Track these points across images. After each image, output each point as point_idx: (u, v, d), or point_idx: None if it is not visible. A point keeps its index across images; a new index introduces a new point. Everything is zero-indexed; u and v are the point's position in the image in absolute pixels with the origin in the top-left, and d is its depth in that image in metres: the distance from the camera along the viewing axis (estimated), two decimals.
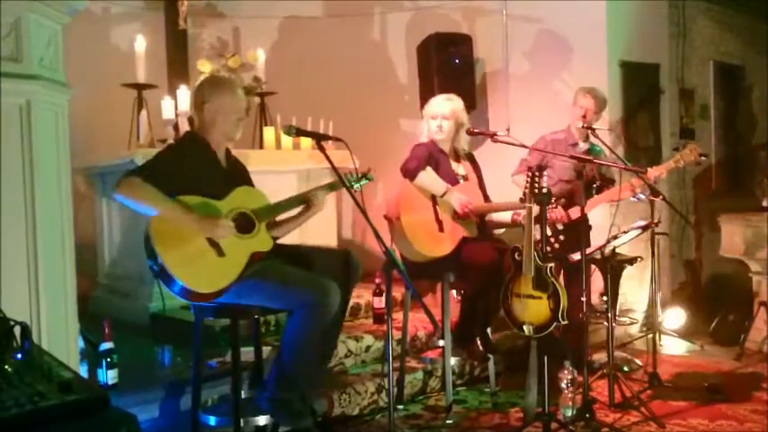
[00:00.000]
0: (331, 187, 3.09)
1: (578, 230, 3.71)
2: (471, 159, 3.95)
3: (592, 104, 4.09)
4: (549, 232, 3.84)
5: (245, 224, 2.82)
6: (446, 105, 3.76)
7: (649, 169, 3.85)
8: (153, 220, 2.69)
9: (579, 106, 4.10)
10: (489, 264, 3.44)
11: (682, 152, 3.89)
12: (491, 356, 3.75)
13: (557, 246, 3.92)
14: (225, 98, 2.92)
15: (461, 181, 3.77)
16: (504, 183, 4.22)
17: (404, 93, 6.07)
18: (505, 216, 3.95)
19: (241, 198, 2.87)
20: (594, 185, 4.00)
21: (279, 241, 2.99)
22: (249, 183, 3.07)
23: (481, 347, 3.67)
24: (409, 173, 3.60)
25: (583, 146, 4.16)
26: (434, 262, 3.55)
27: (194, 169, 2.83)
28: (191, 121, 4.57)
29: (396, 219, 3.53)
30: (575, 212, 3.95)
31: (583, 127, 4.00)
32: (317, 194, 3.00)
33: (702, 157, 3.87)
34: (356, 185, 3.07)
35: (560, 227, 3.98)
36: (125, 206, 4.38)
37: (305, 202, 3.00)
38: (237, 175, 3.03)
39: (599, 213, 4.19)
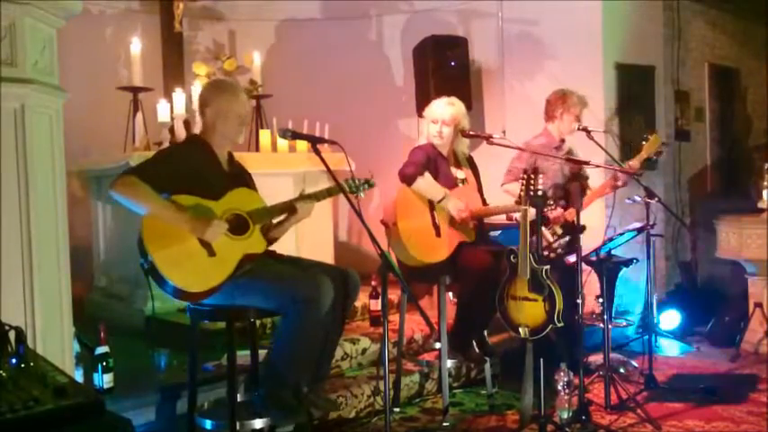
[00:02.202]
0: (329, 192, 3.09)
1: (575, 233, 3.73)
2: (471, 162, 3.95)
3: (581, 110, 4.16)
4: (550, 238, 3.86)
5: (239, 225, 2.83)
6: (447, 111, 3.73)
7: (628, 162, 3.95)
8: (146, 219, 2.71)
9: (574, 114, 4.12)
10: (485, 268, 3.44)
11: (647, 144, 3.97)
12: (487, 359, 3.75)
13: (560, 251, 3.93)
14: (225, 102, 2.94)
15: (460, 184, 3.76)
16: (499, 184, 4.22)
17: (400, 95, 6.08)
18: (500, 216, 3.96)
19: (237, 199, 2.88)
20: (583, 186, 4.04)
21: (278, 252, 2.99)
22: (251, 186, 3.07)
23: (477, 350, 3.67)
24: (407, 178, 3.59)
25: (564, 147, 4.18)
26: (431, 266, 3.55)
27: (193, 171, 2.84)
28: (186, 124, 4.60)
29: (392, 224, 3.52)
30: (571, 214, 3.96)
31: (579, 129, 4.01)
32: (306, 202, 2.99)
33: (664, 146, 4.03)
34: (358, 192, 3.07)
35: (559, 231, 3.99)
36: (120, 206, 4.39)
37: (296, 207, 2.99)
38: (239, 179, 3.03)
39: (595, 215, 4.21)
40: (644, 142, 4.01)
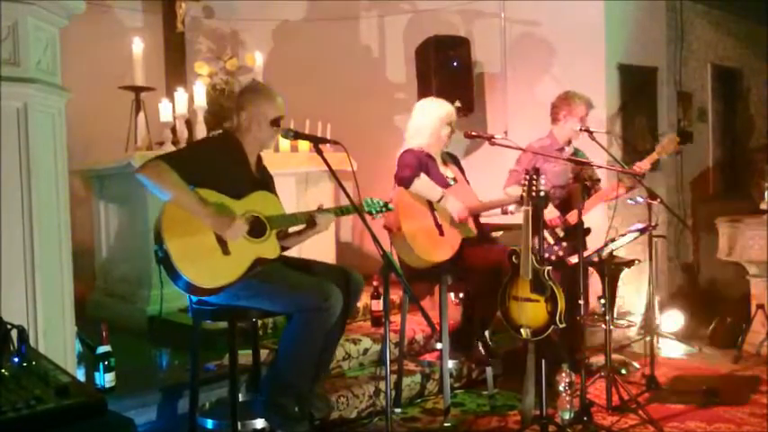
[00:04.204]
0: (346, 210, 3.05)
1: (577, 234, 3.73)
2: (455, 160, 3.95)
3: (586, 112, 4.13)
4: (551, 240, 3.86)
5: (256, 228, 2.83)
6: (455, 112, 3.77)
7: (637, 163, 3.90)
8: (167, 207, 2.71)
9: (578, 116, 4.11)
10: (491, 264, 3.44)
11: (662, 143, 3.95)
12: (490, 362, 3.74)
13: (560, 253, 3.92)
14: (261, 107, 2.95)
15: (452, 183, 3.77)
16: (500, 185, 4.22)
17: (402, 96, 6.07)
18: (497, 213, 3.96)
19: (257, 202, 2.89)
20: (588, 187, 4.03)
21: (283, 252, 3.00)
22: (273, 192, 3.07)
23: (483, 351, 3.66)
24: (404, 181, 3.58)
25: (568, 150, 4.18)
26: (436, 265, 3.55)
27: (222, 167, 2.85)
28: (188, 123, 4.60)
29: (396, 229, 3.51)
30: (573, 216, 3.96)
31: (581, 130, 4.00)
32: (325, 216, 2.98)
33: (681, 146, 3.95)
34: (375, 214, 3.06)
35: (561, 233, 3.99)
36: (123, 206, 4.39)
37: (315, 221, 2.97)
38: (263, 183, 3.03)
39: (597, 216, 4.20)
40: (657, 142, 3.97)
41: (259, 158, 3.08)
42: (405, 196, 3.60)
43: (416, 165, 3.63)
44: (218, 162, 2.85)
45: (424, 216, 3.60)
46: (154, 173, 2.71)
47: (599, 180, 4.20)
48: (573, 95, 4.17)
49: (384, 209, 3.11)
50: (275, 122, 2.97)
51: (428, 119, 3.76)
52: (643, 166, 3.89)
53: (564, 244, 3.98)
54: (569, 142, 4.21)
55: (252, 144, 2.99)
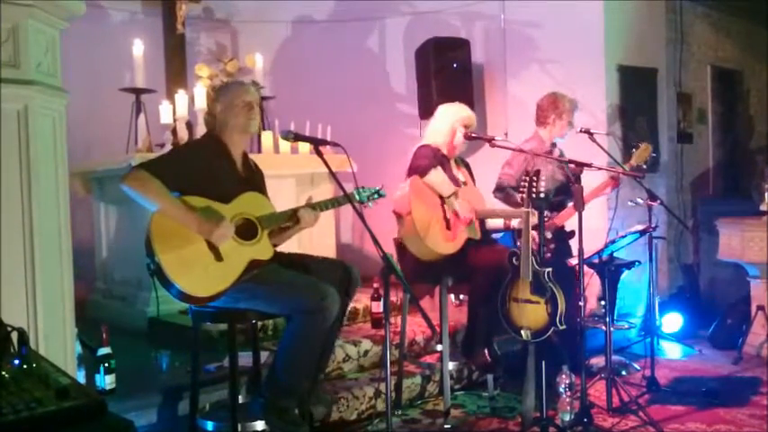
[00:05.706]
0: (338, 202, 3.04)
1: (563, 237, 3.75)
2: (466, 166, 3.96)
3: (573, 113, 4.15)
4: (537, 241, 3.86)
5: (247, 230, 2.81)
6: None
7: (627, 167, 3.92)
8: (155, 218, 2.69)
9: (567, 119, 4.11)
10: (493, 266, 3.43)
11: (637, 151, 4.00)
12: (497, 368, 3.73)
13: (548, 255, 3.91)
14: (230, 93, 2.96)
15: (462, 186, 3.77)
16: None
17: (402, 97, 6.08)
18: (498, 221, 3.95)
19: (247, 204, 2.87)
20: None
21: (278, 249, 2.99)
22: (263, 190, 3.06)
23: (489, 359, 3.64)
24: (421, 170, 3.58)
25: (555, 151, 4.17)
26: (437, 263, 3.54)
27: (207, 171, 2.83)
28: (188, 125, 4.60)
29: (406, 214, 3.51)
30: (561, 219, 3.96)
31: (581, 131, 4.00)
32: (307, 212, 2.94)
33: (653, 155, 4.17)
34: (367, 201, 3.06)
35: (549, 235, 3.98)
36: (123, 208, 4.39)
37: (298, 217, 2.95)
38: (252, 182, 3.02)
39: (597, 217, 4.20)
40: (633, 150, 4.02)
41: (245, 156, 3.06)
42: (419, 184, 3.58)
43: (432, 157, 3.64)
44: (203, 165, 2.83)
45: (434, 207, 3.60)
46: (137, 182, 2.70)
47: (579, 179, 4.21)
48: (561, 98, 4.15)
49: (376, 195, 3.10)
50: (249, 105, 2.95)
51: (446, 120, 3.76)
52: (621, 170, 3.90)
53: (552, 246, 3.98)
54: (554, 144, 4.20)
55: (234, 137, 2.96)
